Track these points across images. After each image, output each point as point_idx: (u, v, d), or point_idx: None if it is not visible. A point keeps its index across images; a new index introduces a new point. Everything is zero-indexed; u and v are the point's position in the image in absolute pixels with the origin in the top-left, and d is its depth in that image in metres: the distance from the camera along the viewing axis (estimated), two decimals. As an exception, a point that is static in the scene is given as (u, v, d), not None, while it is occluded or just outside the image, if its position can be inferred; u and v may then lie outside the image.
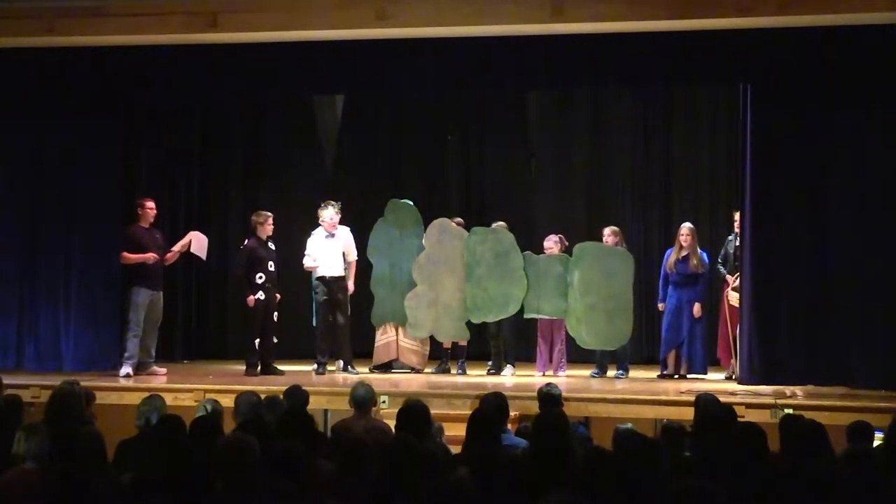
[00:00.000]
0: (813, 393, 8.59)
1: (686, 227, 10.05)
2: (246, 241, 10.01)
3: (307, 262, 10.22)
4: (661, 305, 10.16)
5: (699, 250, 10.00)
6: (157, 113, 11.20)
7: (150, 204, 9.99)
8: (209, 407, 6.17)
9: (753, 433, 4.91)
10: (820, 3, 8.57)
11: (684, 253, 9.95)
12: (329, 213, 10.18)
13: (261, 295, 9.79)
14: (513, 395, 7.24)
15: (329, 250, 10.17)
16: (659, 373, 10.03)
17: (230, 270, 10.81)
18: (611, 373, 10.04)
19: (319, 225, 10.32)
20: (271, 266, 9.89)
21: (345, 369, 10.14)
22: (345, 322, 10.21)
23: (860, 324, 8.87)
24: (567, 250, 10.16)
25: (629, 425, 5.81)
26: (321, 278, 10.13)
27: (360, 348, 10.60)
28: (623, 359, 10.07)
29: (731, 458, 4.70)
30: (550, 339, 10.15)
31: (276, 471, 4.40)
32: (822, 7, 8.56)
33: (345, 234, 10.30)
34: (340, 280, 10.19)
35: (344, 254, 10.23)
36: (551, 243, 10.19)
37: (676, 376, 9.92)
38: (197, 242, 10.20)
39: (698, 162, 12.00)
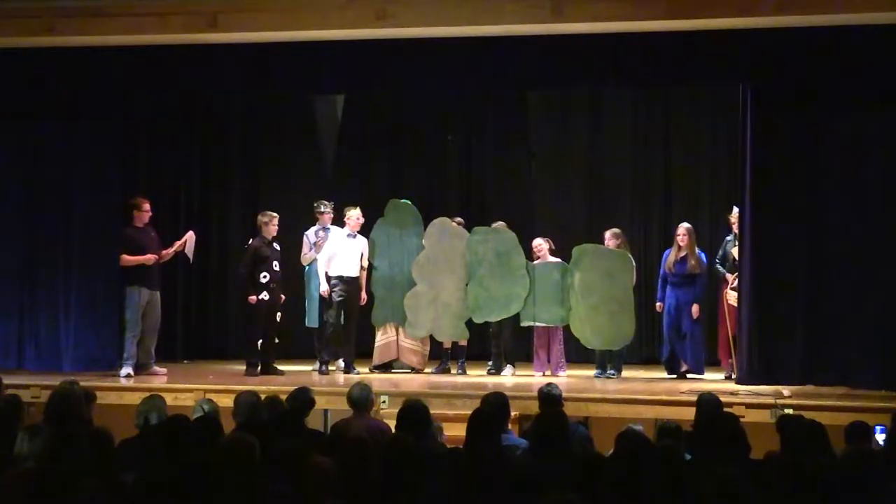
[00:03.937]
0: (813, 393, 8.60)
1: (683, 227, 10.05)
2: (251, 241, 10.03)
3: (320, 258, 10.22)
4: (658, 305, 10.16)
5: (697, 251, 10.01)
6: (157, 113, 11.20)
7: (146, 206, 9.96)
8: (206, 407, 6.16)
9: (728, 421, 4.96)
10: (820, 3, 8.57)
11: (682, 253, 9.95)
12: (356, 213, 10.25)
13: (265, 295, 9.80)
14: (513, 395, 7.23)
15: (350, 250, 10.22)
16: (666, 373, 10.03)
17: (232, 270, 10.83)
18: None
19: (314, 224, 10.41)
20: (276, 266, 9.90)
21: (346, 370, 10.15)
22: (353, 324, 10.24)
23: (860, 323, 8.87)
24: (555, 253, 10.18)
25: (640, 427, 5.80)
26: (339, 277, 10.15)
27: (360, 348, 10.61)
28: (617, 359, 10.06)
29: (726, 456, 4.72)
30: (547, 344, 10.15)
31: (275, 471, 4.41)
32: (822, 7, 8.56)
33: (363, 238, 10.37)
34: (355, 281, 10.23)
35: (361, 256, 10.29)
36: (543, 247, 10.18)
37: (676, 376, 9.93)
38: (190, 242, 10.20)
39: (698, 162, 12.01)
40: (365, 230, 10.53)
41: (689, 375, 9.92)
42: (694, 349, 9.94)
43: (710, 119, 11.94)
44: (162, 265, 10.10)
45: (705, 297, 10.08)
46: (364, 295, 10.41)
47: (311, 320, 10.57)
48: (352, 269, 10.21)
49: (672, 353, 10.05)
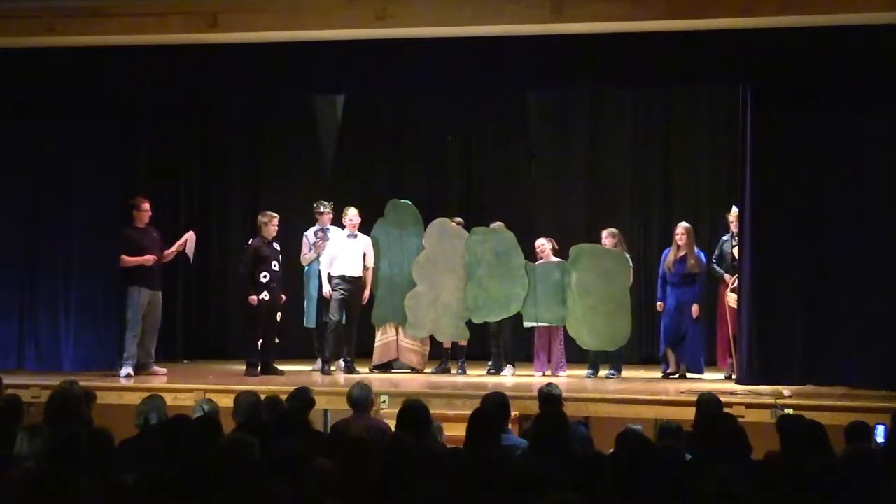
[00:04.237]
0: (813, 393, 8.59)
1: (682, 226, 10.04)
2: (251, 241, 10.03)
3: (322, 260, 10.24)
4: (659, 305, 10.16)
5: (696, 250, 10.00)
6: (157, 113, 11.20)
7: (146, 205, 9.95)
8: (206, 407, 6.17)
9: (728, 421, 4.96)
10: (820, 3, 8.57)
11: (682, 253, 9.95)
12: (352, 213, 10.25)
13: (265, 295, 9.80)
14: (513, 395, 7.23)
15: (350, 250, 10.21)
16: (662, 373, 10.02)
17: (232, 270, 10.83)
18: (603, 373, 10.04)
19: (314, 224, 10.42)
20: (275, 266, 9.90)
21: (347, 369, 10.15)
22: (354, 323, 10.24)
23: (860, 323, 8.87)
24: (557, 253, 10.19)
25: (639, 427, 5.80)
26: (342, 277, 10.15)
27: (360, 348, 10.61)
28: (616, 359, 10.07)
29: (726, 456, 4.72)
30: (548, 344, 10.15)
31: (275, 471, 4.40)
32: (822, 7, 8.56)
33: (365, 238, 10.35)
34: (357, 281, 10.22)
35: (364, 256, 10.27)
36: (546, 247, 10.17)
37: (676, 375, 9.93)
38: (190, 242, 10.20)
39: (698, 162, 12.01)
40: (365, 230, 10.52)
41: (689, 375, 9.92)
42: (693, 349, 9.93)
43: (710, 119, 11.94)
44: (163, 265, 10.10)
45: (705, 297, 10.08)
46: (367, 294, 10.40)
47: (310, 321, 10.57)
48: (354, 268, 10.20)
49: (665, 353, 10.06)
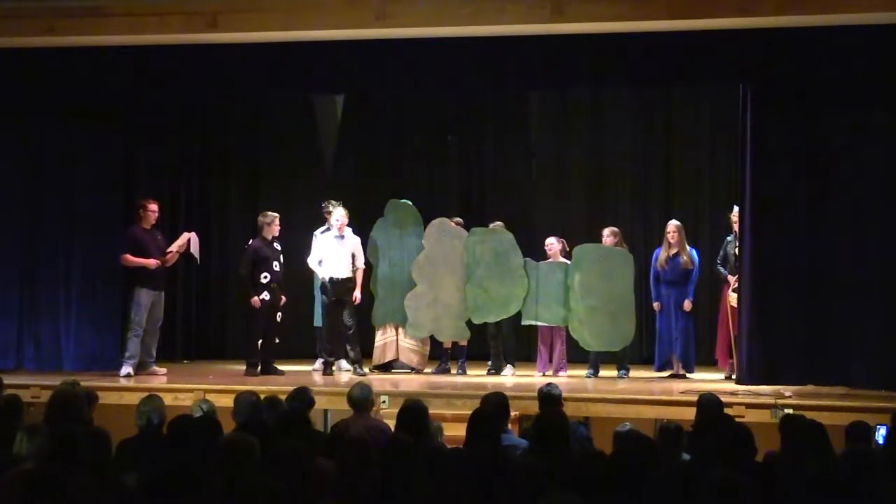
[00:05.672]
0: (813, 393, 8.60)
1: (673, 224, 10.06)
2: (251, 241, 10.03)
3: (312, 263, 10.26)
4: (656, 305, 10.15)
5: (688, 247, 10.01)
6: (157, 113, 11.20)
7: (153, 206, 9.97)
8: (205, 407, 6.18)
9: (742, 435, 4.95)
10: (820, 3, 8.57)
11: (674, 251, 9.96)
12: (339, 214, 10.20)
13: (265, 295, 9.79)
14: (513, 395, 7.23)
15: (338, 252, 10.18)
16: (667, 373, 10.01)
17: (232, 270, 10.84)
18: (606, 373, 10.03)
19: (324, 224, 10.39)
20: (276, 266, 9.89)
21: (354, 370, 10.14)
22: (352, 323, 10.23)
23: (860, 324, 8.87)
24: (566, 253, 10.19)
25: (628, 425, 5.82)
26: (330, 279, 10.14)
27: (360, 348, 10.60)
28: (623, 359, 10.07)
29: (726, 457, 4.72)
30: (550, 342, 10.16)
31: (275, 471, 4.41)
32: (822, 7, 8.56)
33: (353, 238, 10.32)
34: (347, 282, 10.19)
35: (353, 256, 10.25)
36: (555, 246, 10.17)
37: (675, 375, 9.93)
38: (193, 243, 10.20)
39: (698, 162, 12.01)
40: (365, 230, 10.51)
41: (688, 375, 9.91)
42: (684, 347, 9.93)
43: (709, 119, 11.94)
44: (167, 267, 10.09)
45: (707, 297, 10.06)
46: (357, 295, 10.34)
47: (318, 320, 10.57)
48: (342, 270, 10.15)
49: (662, 352, 10.06)
